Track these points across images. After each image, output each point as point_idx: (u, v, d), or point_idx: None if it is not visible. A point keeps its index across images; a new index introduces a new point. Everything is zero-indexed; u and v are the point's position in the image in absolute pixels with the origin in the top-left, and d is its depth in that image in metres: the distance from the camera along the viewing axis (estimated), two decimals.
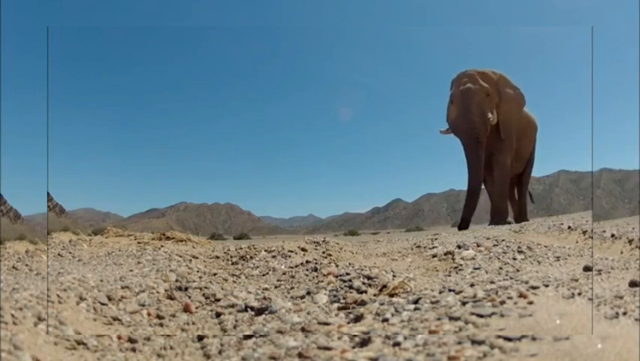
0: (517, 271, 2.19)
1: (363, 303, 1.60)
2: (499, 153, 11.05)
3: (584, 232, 3.48)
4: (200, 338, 1.37)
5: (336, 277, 2.13)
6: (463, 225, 9.80)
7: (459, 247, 3.01)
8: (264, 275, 2.46)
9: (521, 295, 1.40)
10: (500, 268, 2.28)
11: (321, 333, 1.24)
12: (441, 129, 11.33)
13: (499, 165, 11.10)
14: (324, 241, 3.72)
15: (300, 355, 1.07)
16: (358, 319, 1.43)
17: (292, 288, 2.07)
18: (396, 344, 1.06)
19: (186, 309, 1.70)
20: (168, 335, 1.38)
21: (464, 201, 10.50)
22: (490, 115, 10.29)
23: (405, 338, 1.08)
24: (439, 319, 1.24)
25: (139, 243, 4.07)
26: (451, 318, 1.24)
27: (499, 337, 1.01)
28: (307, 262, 2.63)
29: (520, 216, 12.71)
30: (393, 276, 2.08)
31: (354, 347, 1.10)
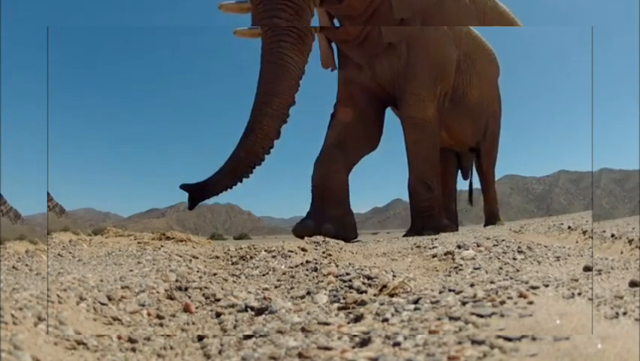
0: (517, 271, 2.19)
1: (363, 303, 1.60)
2: (404, 94, 6.31)
3: (584, 232, 3.48)
4: (200, 338, 1.37)
5: (336, 277, 2.13)
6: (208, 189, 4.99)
7: (459, 247, 3.01)
8: (264, 275, 2.46)
9: (521, 295, 1.40)
10: (500, 268, 2.28)
11: (321, 333, 1.24)
12: (237, 28, 5.59)
13: (407, 107, 6.33)
14: (324, 241, 3.72)
15: (300, 355, 1.07)
16: (358, 319, 1.43)
17: (292, 288, 2.07)
18: (397, 344, 1.06)
19: (186, 309, 1.70)
20: (168, 335, 1.38)
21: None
22: None
23: (405, 338, 1.08)
24: (439, 319, 1.24)
25: (139, 243, 4.06)
26: (451, 318, 1.23)
27: (499, 337, 1.01)
28: (307, 262, 2.62)
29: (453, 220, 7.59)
30: (393, 276, 2.08)
31: (354, 347, 1.10)
